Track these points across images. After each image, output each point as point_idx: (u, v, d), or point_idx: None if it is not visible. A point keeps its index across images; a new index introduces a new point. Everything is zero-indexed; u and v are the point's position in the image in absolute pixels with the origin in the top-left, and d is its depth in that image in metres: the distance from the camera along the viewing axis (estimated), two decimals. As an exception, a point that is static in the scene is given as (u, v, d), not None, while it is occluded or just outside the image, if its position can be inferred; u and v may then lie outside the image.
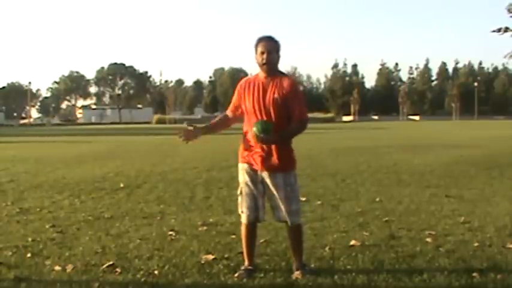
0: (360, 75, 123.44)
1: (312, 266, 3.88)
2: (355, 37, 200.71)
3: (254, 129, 3.48)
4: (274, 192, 3.62)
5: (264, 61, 3.56)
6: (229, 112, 3.87)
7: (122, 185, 8.51)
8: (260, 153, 3.60)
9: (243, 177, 3.73)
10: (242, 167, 3.73)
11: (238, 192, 3.78)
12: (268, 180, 3.63)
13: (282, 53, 3.66)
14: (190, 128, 3.76)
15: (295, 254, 3.78)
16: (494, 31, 12.70)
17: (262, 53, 3.56)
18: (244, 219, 3.75)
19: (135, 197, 7.32)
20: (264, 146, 3.57)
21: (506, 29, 12.60)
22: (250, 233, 3.78)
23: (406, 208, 6.24)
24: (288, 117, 3.57)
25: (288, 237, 3.85)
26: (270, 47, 3.57)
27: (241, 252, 3.98)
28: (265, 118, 3.56)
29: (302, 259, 3.78)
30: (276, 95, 3.57)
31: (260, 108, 3.58)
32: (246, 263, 3.80)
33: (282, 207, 3.63)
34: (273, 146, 3.57)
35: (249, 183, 3.67)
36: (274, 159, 3.59)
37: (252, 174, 3.67)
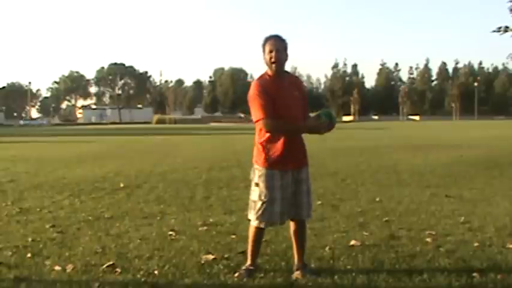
0: (360, 75, 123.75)
1: (312, 266, 3.88)
2: (355, 37, 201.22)
3: (324, 118, 3.53)
4: (300, 187, 3.65)
5: (273, 59, 3.55)
6: (272, 117, 3.52)
7: (122, 185, 8.51)
8: (292, 152, 3.60)
9: (271, 183, 3.57)
10: (269, 173, 3.57)
11: (257, 198, 3.59)
12: (297, 177, 3.65)
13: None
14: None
15: (299, 251, 3.76)
16: (494, 31, 12.68)
17: (271, 51, 3.55)
18: (261, 224, 3.62)
19: (135, 197, 7.32)
20: (295, 144, 3.61)
21: (506, 29, 12.57)
22: (262, 236, 3.77)
23: (406, 208, 6.24)
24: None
25: (294, 234, 3.79)
26: (278, 46, 3.57)
27: (242, 252, 3.97)
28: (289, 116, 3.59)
29: (304, 257, 3.77)
30: (296, 93, 3.64)
31: (285, 106, 3.55)
32: (249, 262, 3.77)
33: (305, 200, 3.67)
34: (300, 142, 3.64)
35: (279, 189, 3.56)
36: (302, 154, 3.69)
37: (283, 178, 3.58)
